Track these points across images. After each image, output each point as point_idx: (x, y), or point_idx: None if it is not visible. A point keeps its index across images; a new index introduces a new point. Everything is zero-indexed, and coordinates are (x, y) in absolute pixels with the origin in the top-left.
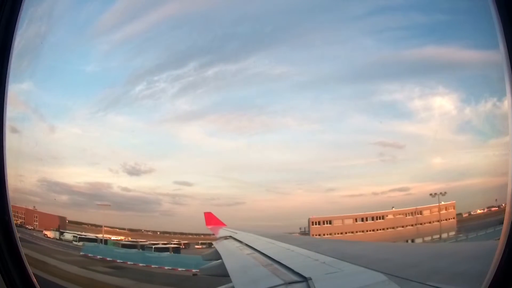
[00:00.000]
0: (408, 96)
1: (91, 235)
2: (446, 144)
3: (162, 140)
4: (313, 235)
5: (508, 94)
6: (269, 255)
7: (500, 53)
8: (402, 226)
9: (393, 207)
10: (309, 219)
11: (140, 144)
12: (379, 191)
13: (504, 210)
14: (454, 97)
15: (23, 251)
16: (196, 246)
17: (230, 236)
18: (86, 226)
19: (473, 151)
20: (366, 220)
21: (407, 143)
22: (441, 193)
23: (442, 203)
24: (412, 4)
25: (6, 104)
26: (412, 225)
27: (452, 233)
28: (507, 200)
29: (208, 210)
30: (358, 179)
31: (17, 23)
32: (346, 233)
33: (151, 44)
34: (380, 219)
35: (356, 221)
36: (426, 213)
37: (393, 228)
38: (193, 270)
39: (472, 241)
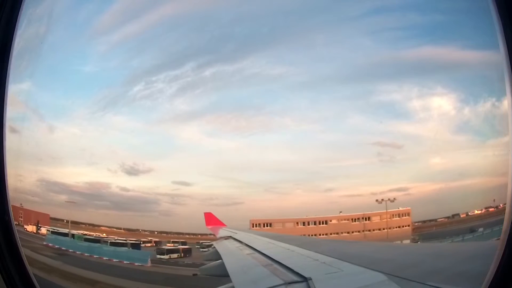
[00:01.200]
0: (407, 96)
1: (63, 230)
2: (444, 144)
3: (160, 140)
4: None
5: (508, 94)
6: (269, 255)
7: (500, 53)
8: (348, 232)
9: (340, 212)
10: (250, 221)
11: (139, 144)
12: (378, 191)
13: (501, 211)
14: (452, 97)
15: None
16: (168, 244)
17: (230, 236)
18: (65, 222)
19: (471, 151)
20: (308, 224)
21: (406, 143)
22: (389, 199)
23: (400, 208)
24: (412, 5)
25: (6, 104)
26: (358, 231)
27: (406, 241)
28: (507, 200)
29: (206, 210)
30: (357, 179)
31: (17, 23)
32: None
33: (149, 45)
34: (323, 223)
35: (298, 224)
36: (375, 219)
37: (336, 233)
38: (124, 262)
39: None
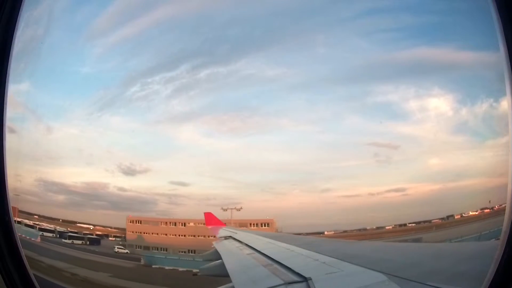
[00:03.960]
0: (404, 97)
1: (17, 219)
2: (441, 145)
3: (157, 141)
4: (128, 231)
5: (508, 95)
6: (269, 255)
7: (499, 54)
8: (204, 236)
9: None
10: (126, 218)
11: (136, 144)
12: (375, 191)
13: (497, 212)
14: (449, 98)
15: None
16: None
17: (230, 236)
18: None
19: (468, 152)
20: (175, 224)
21: (402, 144)
22: (235, 208)
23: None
24: (411, 5)
25: (6, 104)
26: (214, 236)
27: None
28: (507, 201)
29: (204, 210)
30: (354, 179)
31: (17, 24)
32: (153, 234)
33: (145, 47)
34: (182, 225)
35: (166, 224)
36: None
37: (193, 236)
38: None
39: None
